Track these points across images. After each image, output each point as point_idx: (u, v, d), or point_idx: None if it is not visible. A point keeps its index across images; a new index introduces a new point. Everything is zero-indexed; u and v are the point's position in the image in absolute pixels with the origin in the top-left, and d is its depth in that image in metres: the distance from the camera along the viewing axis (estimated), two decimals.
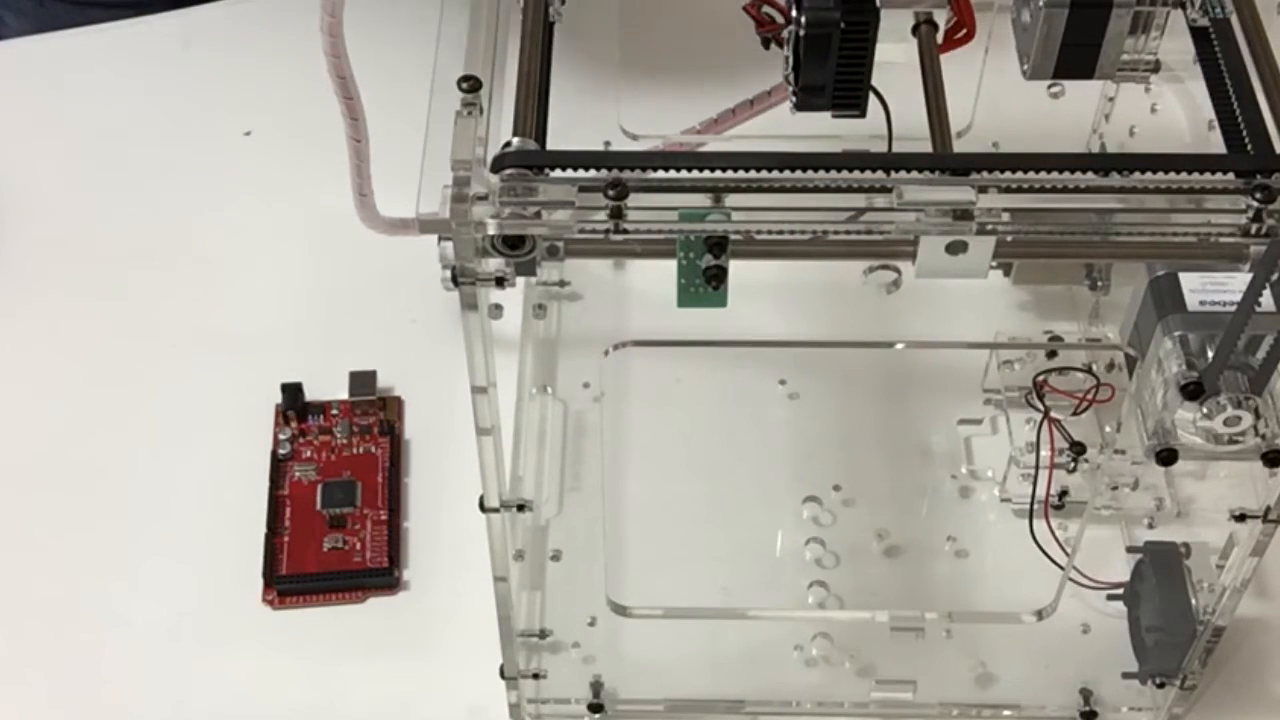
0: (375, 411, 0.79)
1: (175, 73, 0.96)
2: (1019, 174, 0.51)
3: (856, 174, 0.51)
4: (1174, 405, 0.57)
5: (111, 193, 0.89)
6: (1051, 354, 0.76)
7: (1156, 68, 0.64)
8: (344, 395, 0.79)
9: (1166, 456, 0.58)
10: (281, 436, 0.77)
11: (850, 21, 0.56)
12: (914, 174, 0.51)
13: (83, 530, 0.75)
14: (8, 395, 0.81)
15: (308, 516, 0.75)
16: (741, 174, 0.51)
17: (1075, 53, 0.63)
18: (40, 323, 0.84)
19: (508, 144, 0.53)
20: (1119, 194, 0.51)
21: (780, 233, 0.51)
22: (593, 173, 0.50)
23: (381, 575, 0.73)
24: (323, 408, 0.79)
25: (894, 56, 0.60)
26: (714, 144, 0.79)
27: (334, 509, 0.75)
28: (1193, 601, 0.66)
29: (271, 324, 0.82)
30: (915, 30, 0.63)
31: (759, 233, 0.51)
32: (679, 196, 0.51)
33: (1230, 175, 0.51)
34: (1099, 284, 0.78)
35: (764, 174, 0.51)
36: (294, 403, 0.78)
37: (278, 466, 0.76)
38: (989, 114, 0.80)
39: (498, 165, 0.51)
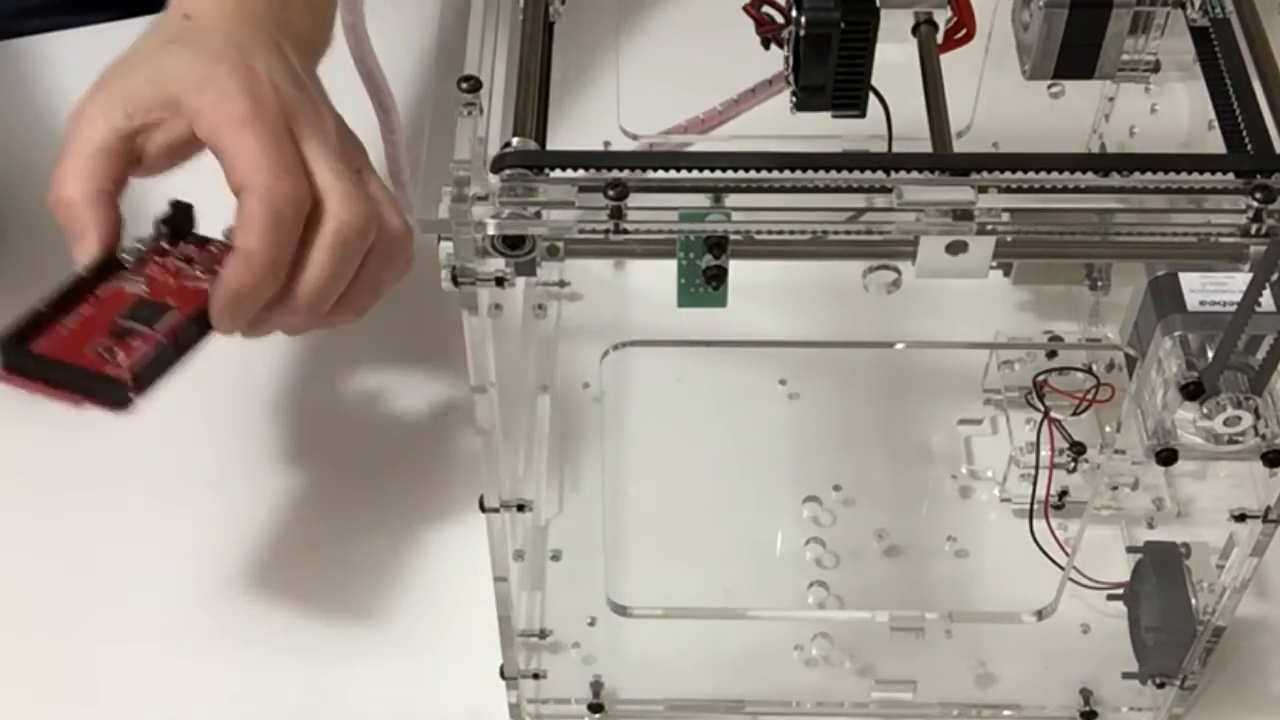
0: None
1: None
2: (1019, 174, 0.51)
3: (856, 174, 0.51)
4: (1174, 405, 0.57)
5: None
6: (1051, 354, 0.76)
7: (1156, 68, 0.64)
8: None
9: (1166, 456, 0.58)
10: (138, 243, 0.65)
11: (850, 21, 0.56)
12: (914, 174, 0.51)
13: (78, 529, 0.75)
14: (6, 393, 0.81)
15: (101, 320, 0.63)
16: (741, 174, 0.51)
17: (1075, 53, 0.63)
18: None
19: (508, 144, 0.53)
20: (1119, 194, 0.51)
21: (780, 233, 0.51)
22: (593, 173, 0.50)
23: (115, 389, 0.62)
24: (206, 242, 0.67)
25: (894, 56, 0.60)
26: (714, 144, 0.79)
27: (130, 322, 0.63)
28: (1193, 601, 0.66)
29: None
30: (915, 30, 0.63)
31: (759, 233, 0.51)
32: (679, 196, 0.51)
33: (1230, 175, 0.51)
34: (1099, 284, 0.78)
35: (764, 174, 0.51)
36: (181, 221, 0.66)
37: (111, 266, 0.64)
38: (989, 114, 0.80)
39: (498, 165, 0.51)
